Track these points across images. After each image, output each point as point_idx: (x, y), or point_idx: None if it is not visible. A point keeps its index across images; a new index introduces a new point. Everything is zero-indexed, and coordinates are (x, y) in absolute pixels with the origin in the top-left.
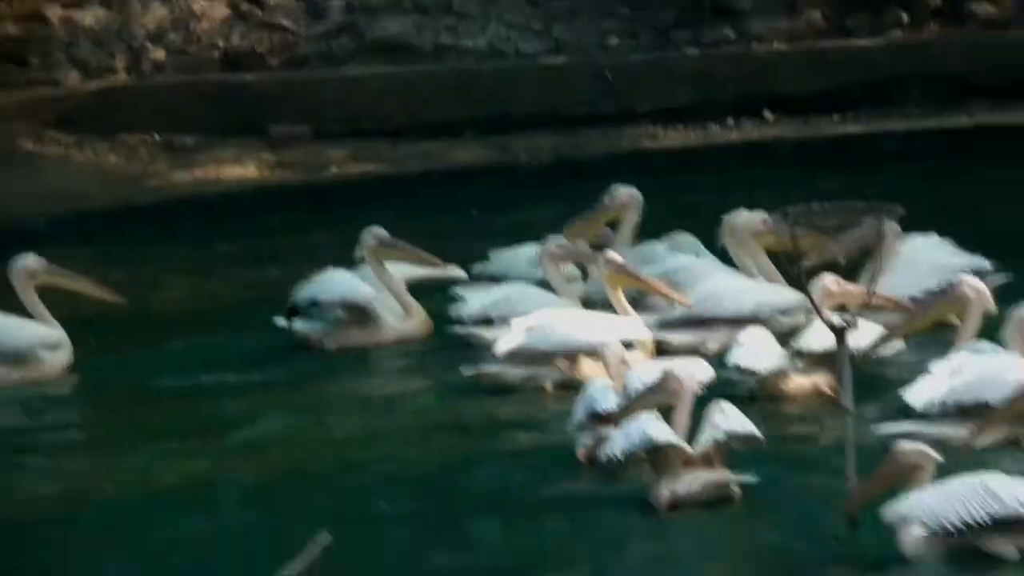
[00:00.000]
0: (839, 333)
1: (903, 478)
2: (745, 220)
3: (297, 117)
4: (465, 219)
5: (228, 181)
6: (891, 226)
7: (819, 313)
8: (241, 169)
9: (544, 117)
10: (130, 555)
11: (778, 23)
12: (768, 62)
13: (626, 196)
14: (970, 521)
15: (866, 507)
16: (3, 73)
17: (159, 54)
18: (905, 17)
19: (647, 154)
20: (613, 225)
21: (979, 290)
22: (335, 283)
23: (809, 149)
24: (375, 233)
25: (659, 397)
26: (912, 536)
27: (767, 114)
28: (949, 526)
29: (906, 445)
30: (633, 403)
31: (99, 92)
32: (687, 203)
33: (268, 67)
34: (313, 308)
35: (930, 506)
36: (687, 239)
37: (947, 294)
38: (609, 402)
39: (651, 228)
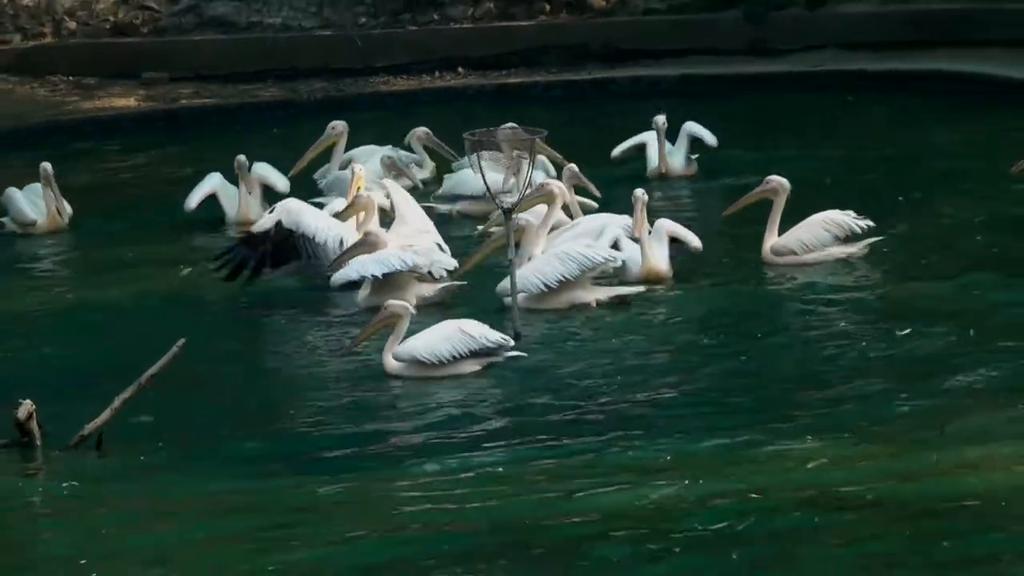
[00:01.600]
0: (506, 212)
1: (390, 323)
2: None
3: (160, 67)
4: (268, 134)
5: (116, 108)
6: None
7: (491, 196)
8: (124, 100)
9: (318, 70)
10: None
11: (467, 10)
12: (461, 36)
13: (340, 127)
14: (461, 351)
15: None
16: None
17: (72, 24)
18: (547, 7)
19: (383, 95)
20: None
21: (785, 184)
22: None
23: (485, 93)
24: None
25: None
26: (402, 367)
27: (460, 70)
28: (444, 356)
29: (392, 302)
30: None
31: (33, 49)
32: (413, 126)
33: (141, 34)
34: None
35: (433, 343)
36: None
37: (763, 186)
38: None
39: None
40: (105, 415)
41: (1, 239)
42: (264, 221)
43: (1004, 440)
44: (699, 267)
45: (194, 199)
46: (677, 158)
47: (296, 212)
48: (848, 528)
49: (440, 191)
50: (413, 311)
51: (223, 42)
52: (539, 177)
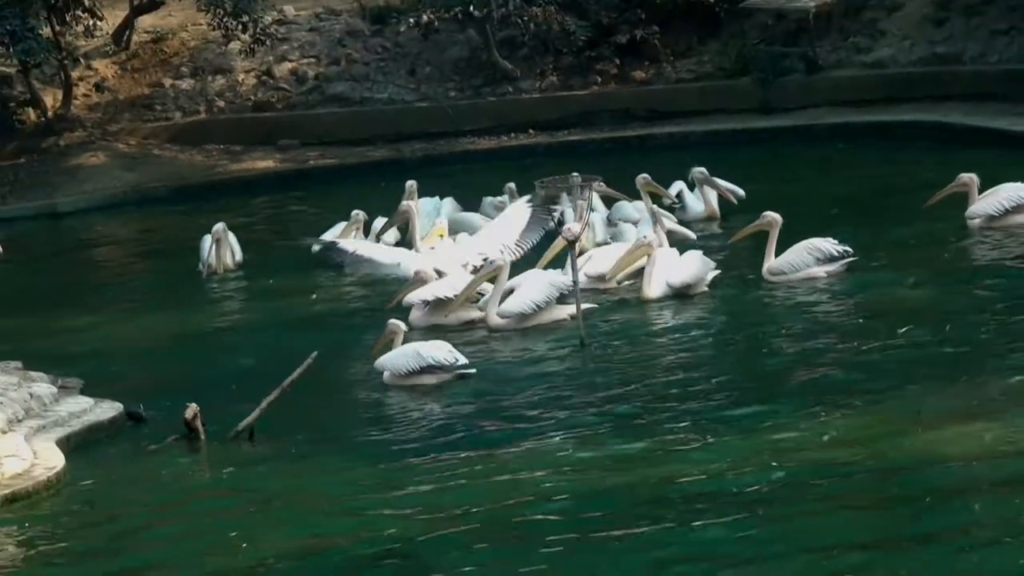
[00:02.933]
0: (570, 243)
1: (388, 341)
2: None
3: (292, 135)
4: (378, 187)
5: (258, 169)
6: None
7: (559, 228)
8: (264, 163)
9: (418, 134)
10: None
11: (535, 83)
12: (530, 104)
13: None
14: (413, 367)
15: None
16: (141, 115)
17: (221, 103)
18: (599, 79)
19: (470, 153)
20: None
21: (777, 219)
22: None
23: (551, 149)
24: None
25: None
26: (385, 376)
27: (531, 131)
28: (402, 371)
29: (392, 321)
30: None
31: (191, 123)
32: (496, 179)
33: (277, 109)
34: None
35: (395, 359)
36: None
37: (760, 220)
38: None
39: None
40: (255, 414)
41: (193, 277)
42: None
43: (977, 419)
44: (713, 281)
45: (316, 244)
46: (706, 202)
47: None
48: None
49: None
50: (405, 328)
51: (341, 114)
52: (596, 215)
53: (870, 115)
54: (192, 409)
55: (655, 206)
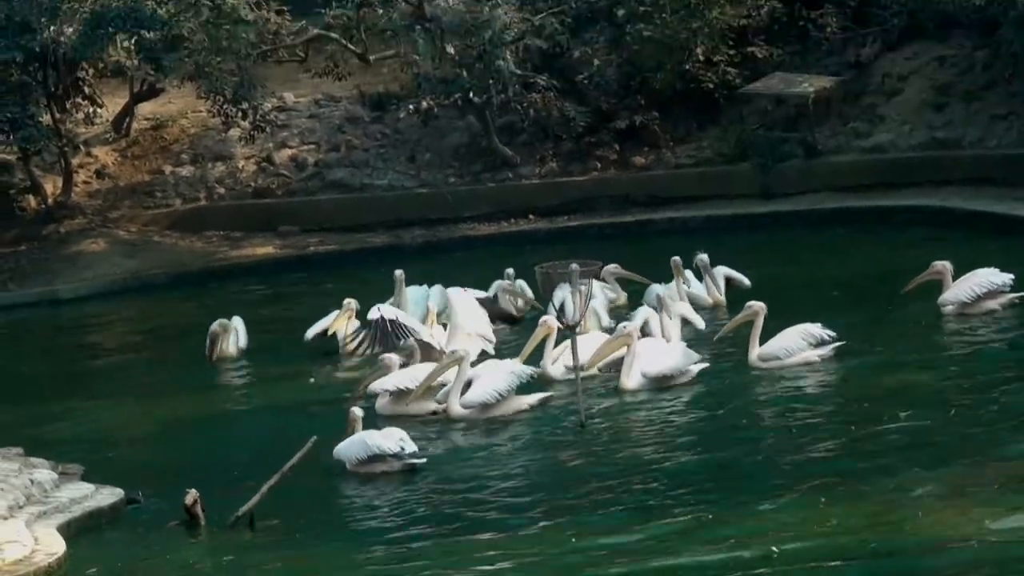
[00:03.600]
0: (570, 328)
1: (353, 427)
2: (499, 283)
3: (292, 221)
4: (381, 272)
5: (258, 255)
6: (596, 269)
7: (556, 312)
8: (264, 249)
9: (417, 220)
10: None
11: (534, 169)
12: (530, 190)
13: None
14: (362, 456)
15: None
16: (141, 201)
17: (220, 190)
18: (599, 165)
19: (470, 238)
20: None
21: (763, 308)
22: None
23: (552, 235)
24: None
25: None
26: (344, 463)
27: (531, 217)
28: (355, 459)
29: (353, 409)
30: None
31: (191, 210)
32: (496, 266)
33: (277, 196)
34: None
35: (346, 448)
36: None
37: (746, 311)
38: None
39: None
40: (255, 499)
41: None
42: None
43: (973, 502)
44: (702, 371)
45: (311, 332)
46: (711, 290)
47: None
48: None
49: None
50: (362, 413)
51: (341, 200)
52: (599, 299)
53: (870, 200)
54: (192, 495)
55: (684, 287)
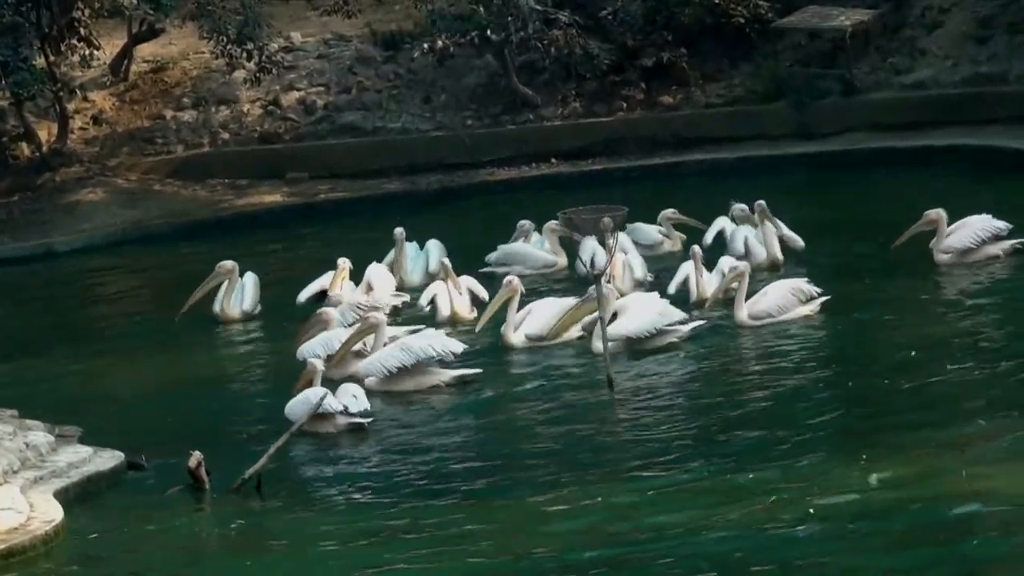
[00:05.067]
0: (597, 276)
1: (308, 381)
2: (546, 225)
3: (300, 168)
4: (396, 221)
5: (265, 204)
6: (622, 215)
7: (583, 262)
8: (271, 197)
9: (433, 165)
10: None
11: (556, 110)
12: (552, 132)
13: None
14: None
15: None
16: (141, 148)
17: (225, 135)
18: (624, 104)
19: (489, 184)
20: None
21: (748, 268)
22: None
23: (575, 179)
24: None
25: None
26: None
27: (553, 160)
28: (301, 416)
29: (311, 360)
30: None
31: (194, 157)
32: (516, 212)
33: (284, 141)
34: None
35: (294, 405)
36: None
37: (733, 272)
38: None
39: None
40: (262, 461)
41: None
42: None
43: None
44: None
45: (304, 295)
46: (768, 247)
47: None
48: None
49: (494, 258)
50: (323, 368)
51: (353, 145)
52: (634, 256)
53: (911, 139)
54: (196, 458)
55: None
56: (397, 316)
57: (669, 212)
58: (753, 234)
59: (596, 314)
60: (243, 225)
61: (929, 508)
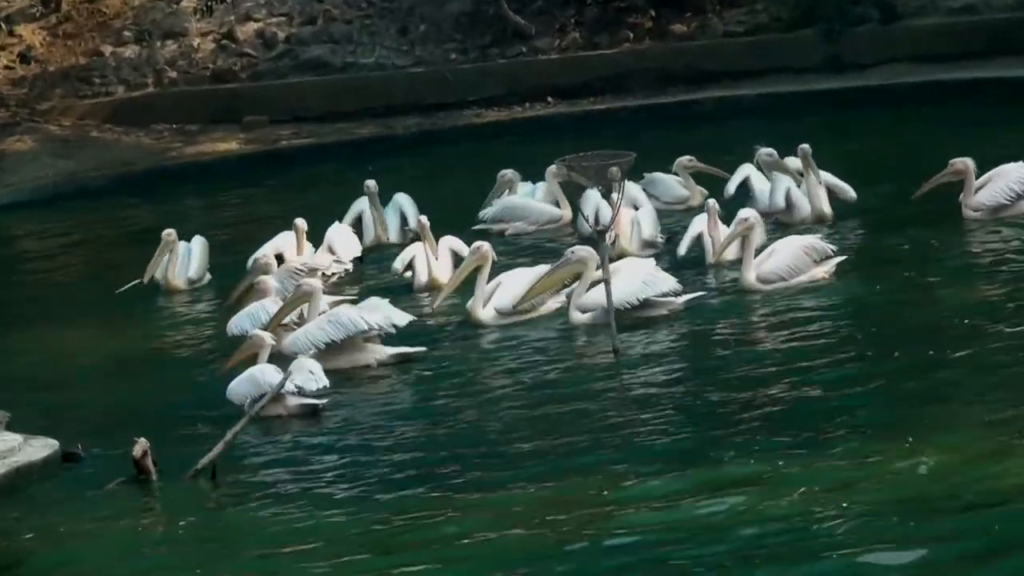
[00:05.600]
0: (600, 232)
1: (253, 355)
2: (548, 169)
3: (259, 110)
4: (369, 171)
5: (219, 151)
6: (629, 162)
7: (584, 217)
8: (226, 144)
9: (412, 106)
10: None
11: (553, 42)
12: (548, 67)
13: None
14: (252, 394)
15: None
16: (76, 89)
17: (173, 74)
18: (631, 35)
19: (475, 127)
20: None
21: (758, 219)
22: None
23: (575, 121)
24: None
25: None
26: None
27: (549, 99)
28: (246, 398)
29: (256, 332)
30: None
31: (137, 98)
32: (507, 160)
33: (240, 80)
34: None
35: (237, 385)
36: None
37: (742, 224)
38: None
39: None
40: (218, 448)
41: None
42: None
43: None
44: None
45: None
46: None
47: None
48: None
49: (490, 213)
50: (272, 341)
51: (319, 84)
52: (645, 211)
53: (960, 71)
54: (141, 446)
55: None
56: (368, 282)
57: (686, 160)
58: (793, 185)
59: (581, 279)
60: (193, 176)
61: (984, 497)
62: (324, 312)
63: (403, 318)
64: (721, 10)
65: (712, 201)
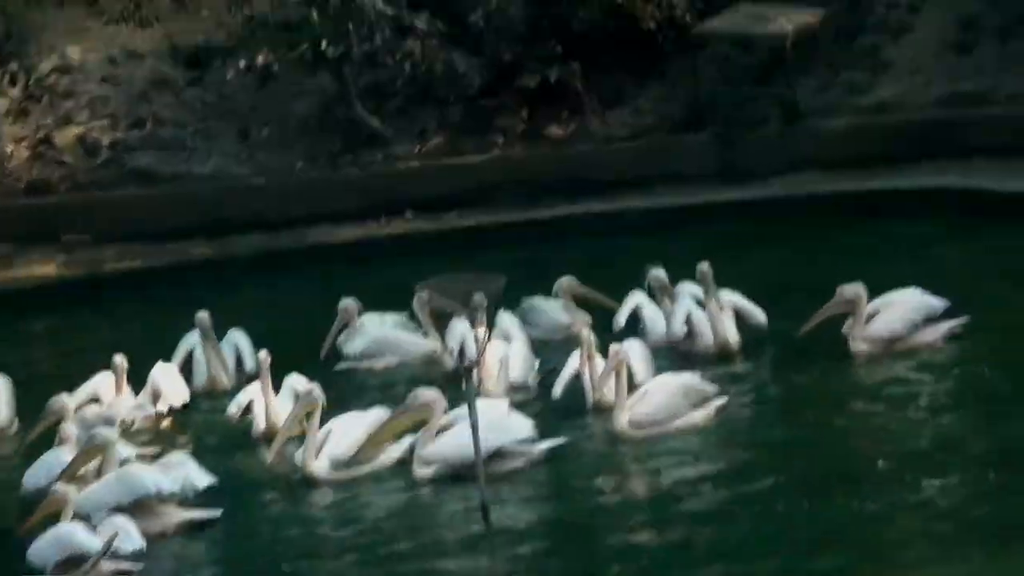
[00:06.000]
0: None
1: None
2: (417, 296)
3: (81, 228)
4: (204, 298)
5: (35, 277)
6: (499, 287)
7: (448, 351)
8: (43, 268)
9: (253, 221)
10: None
11: (412, 147)
12: (408, 175)
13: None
14: (58, 556)
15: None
16: None
17: None
18: (500, 138)
19: (325, 248)
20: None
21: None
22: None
23: (438, 239)
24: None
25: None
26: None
27: (408, 214)
28: (48, 559)
29: (60, 486)
30: None
31: None
32: (360, 284)
33: (59, 192)
34: None
35: (39, 548)
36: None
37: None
38: None
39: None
40: None
41: None
42: None
43: None
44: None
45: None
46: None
47: None
48: None
49: (358, 348)
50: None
51: (148, 197)
52: (517, 344)
53: (872, 180)
54: None
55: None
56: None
57: (567, 281)
58: (695, 308)
59: (426, 426)
60: (3, 306)
61: None
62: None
63: (203, 479)
64: (603, 110)
65: (587, 332)
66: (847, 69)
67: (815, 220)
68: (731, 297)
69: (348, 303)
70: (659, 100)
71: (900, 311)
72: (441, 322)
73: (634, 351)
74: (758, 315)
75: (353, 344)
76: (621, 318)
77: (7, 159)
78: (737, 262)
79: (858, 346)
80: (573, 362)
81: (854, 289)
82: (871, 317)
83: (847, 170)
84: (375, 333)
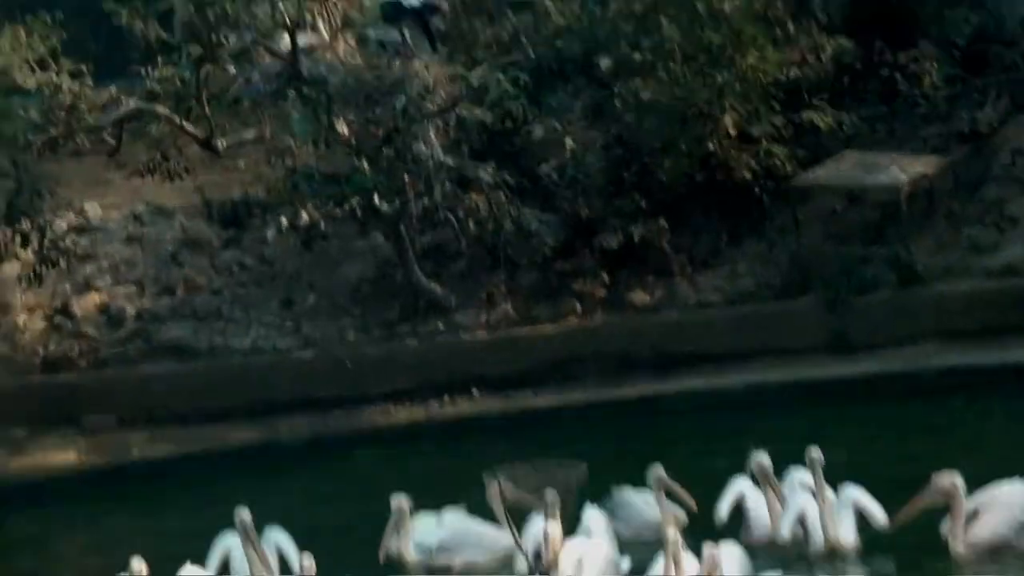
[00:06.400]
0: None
1: None
2: (490, 486)
3: (104, 409)
4: (246, 489)
5: (52, 465)
6: (579, 476)
7: (522, 550)
8: (61, 455)
9: (300, 400)
10: None
11: (479, 316)
12: (473, 348)
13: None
14: None
15: None
16: None
17: None
18: (578, 306)
19: (381, 430)
20: None
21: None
22: None
23: (509, 421)
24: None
25: None
26: None
27: (475, 392)
28: None
29: None
30: None
31: None
32: (421, 472)
33: (79, 368)
34: None
35: None
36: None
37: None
38: None
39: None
40: None
41: None
42: None
43: None
44: None
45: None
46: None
47: None
48: None
49: (436, 541)
50: None
51: (180, 373)
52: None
53: (1003, 352)
54: None
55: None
56: None
57: (659, 471)
58: (811, 504)
59: None
60: (17, 499)
61: None
62: None
63: None
64: (693, 273)
65: (672, 531)
66: (969, 225)
67: (937, 398)
68: (853, 492)
69: (400, 498)
70: (757, 261)
71: (1007, 511)
72: (516, 516)
73: (730, 556)
74: (878, 515)
75: (426, 537)
76: (723, 510)
77: (20, 331)
78: (851, 447)
79: (958, 548)
80: (657, 568)
81: (949, 479)
82: (975, 513)
83: (973, 340)
84: (454, 526)
